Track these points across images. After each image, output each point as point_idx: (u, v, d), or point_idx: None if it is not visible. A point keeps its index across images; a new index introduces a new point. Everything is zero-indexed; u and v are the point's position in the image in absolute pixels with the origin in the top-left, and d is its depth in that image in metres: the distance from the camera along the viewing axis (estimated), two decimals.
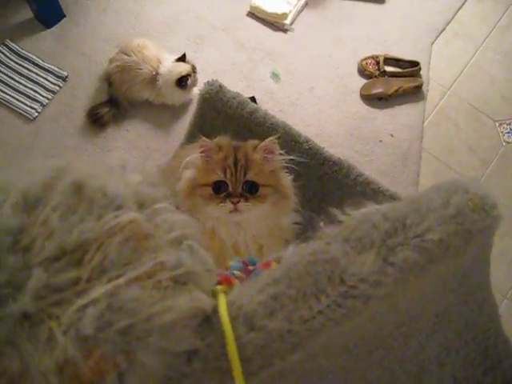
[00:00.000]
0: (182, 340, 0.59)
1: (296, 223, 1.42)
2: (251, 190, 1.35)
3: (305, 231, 1.40)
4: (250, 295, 0.66)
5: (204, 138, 1.37)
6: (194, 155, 1.39)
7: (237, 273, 0.84)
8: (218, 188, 1.35)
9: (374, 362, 0.79)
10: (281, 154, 1.40)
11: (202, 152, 1.38)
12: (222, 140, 1.44)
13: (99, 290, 0.54)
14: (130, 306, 0.55)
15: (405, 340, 0.82)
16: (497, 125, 2.58)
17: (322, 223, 0.75)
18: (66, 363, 0.53)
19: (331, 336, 0.67)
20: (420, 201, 0.71)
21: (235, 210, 1.33)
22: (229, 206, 1.33)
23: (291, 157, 1.40)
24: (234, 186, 1.34)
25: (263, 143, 1.38)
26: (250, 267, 0.89)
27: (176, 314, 0.58)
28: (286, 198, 1.41)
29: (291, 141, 1.51)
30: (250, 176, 1.35)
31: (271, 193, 1.38)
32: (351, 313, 0.65)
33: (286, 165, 1.42)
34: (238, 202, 1.33)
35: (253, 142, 1.41)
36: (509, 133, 2.56)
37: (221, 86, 1.56)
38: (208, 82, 1.58)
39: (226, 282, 0.75)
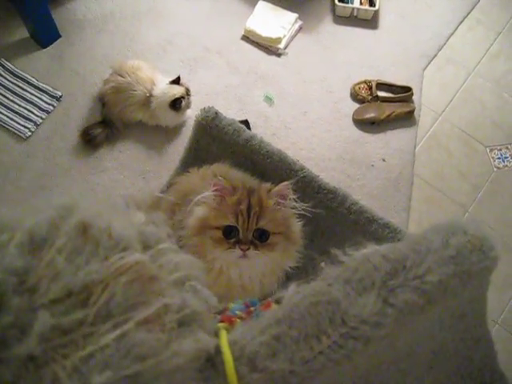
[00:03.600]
0: (186, 382, 0.60)
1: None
2: (261, 237, 1.33)
3: (305, 270, 1.40)
4: (252, 335, 0.66)
5: (219, 177, 1.33)
6: (206, 193, 1.35)
7: (238, 313, 0.85)
8: (229, 233, 1.32)
9: None
10: (294, 200, 1.38)
11: (214, 191, 1.35)
12: (236, 180, 1.41)
13: (108, 336, 0.54)
14: (138, 352, 0.55)
15: (402, 376, 0.83)
16: (488, 150, 2.61)
17: (323, 264, 0.75)
18: None
19: (331, 376, 0.68)
20: (419, 242, 0.73)
21: (244, 256, 1.32)
22: (238, 252, 1.31)
23: (305, 205, 1.38)
24: (245, 233, 1.32)
25: (277, 188, 1.35)
26: (252, 308, 0.90)
27: (182, 358, 0.58)
28: (294, 244, 1.40)
29: (286, 169, 1.51)
30: (262, 224, 1.32)
31: (281, 240, 1.36)
32: (352, 353, 0.66)
33: (297, 211, 1.39)
34: (247, 250, 1.31)
35: (267, 186, 1.39)
36: (499, 158, 2.59)
37: (217, 113, 1.56)
38: (204, 108, 1.58)
39: (228, 321, 0.76)
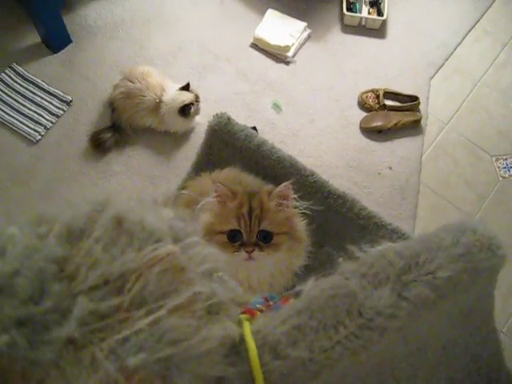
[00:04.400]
0: (214, 366, 0.64)
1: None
2: (266, 238, 1.37)
3: (323, 266, 1.44)
4: (273, 325, 0.71)
5: (218, 183, 1.39)
6: (208, 199, 1.41)
7: (259, 306, 0.90)
8: (233, 236, 1.36)
9: None
10: (295, 199, 1.42)
11: (216, 197, 1.39)
12: (237, 185, 1.46)
13: (142, 322, 0.59)
14: (170, 336, 0.60)
15: (413, 370, 0.87)
16: (493, 160, 2.66)
17: (340, 259, 0.81)
18: None
19: (347, 365, 0.73)
20: (431, 240, 0.78)
21: (250, 258, 1.35)
22: (243, 254, 1.35)
23: (306, 204, 1.42)
24: (249, 236, 1.36)
25: (278, 189, 1.40)
26: (271, 302, 0.95)
27: (211, 343, 0.63)
28: (300, 242, 1.44)
29: (297, 174, 1.56)
30: (265, 225, 1.37)
31: (285, 240, 1.40)
32: (368, 343, 0.70)
33: (300, 210, 1.44)
34: (252, 251, 1.35)
35: (267, 188, 1.43)
36: (505, 168, 2.64)
37: (229, 119, 1.61)
38: (217, 114, 1.63)
39: (249, 313, 0.80)
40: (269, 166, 1.58)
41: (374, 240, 1.48)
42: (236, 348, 0.69)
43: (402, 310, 0.71)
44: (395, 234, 1.53)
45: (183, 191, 1.36)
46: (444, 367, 0.90)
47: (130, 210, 0.68)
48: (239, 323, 0.74)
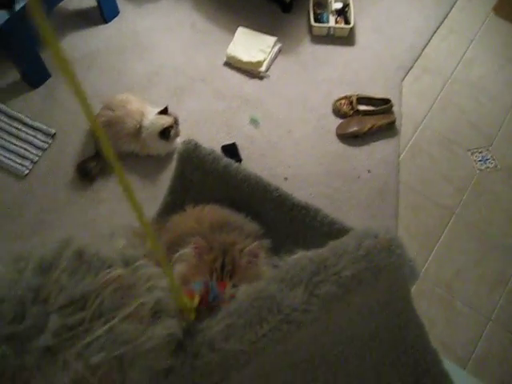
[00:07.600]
0: (160, 360, 0.87)
1: None
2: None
3: None
4: (211, 326, 0.93)
5: (198, 237, 1.52)
6: (185, 250, 1.54)
7: (198, 287, 1.12)
8: None
9: (319, 376, 1.06)
10: (266, 263, 1.53)
11: (194, 249, 1.52)
12: (218, 229, 1.62)
13: (101, 329, 0.81)
14: (122, 338, 0.82)
15: (345, 356, 1.09)
16: (469, 154, 2.87)
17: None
18: (79, 380, 0.80)
19: (278, 354, 0.94)
20: (338, 246, 1.00)
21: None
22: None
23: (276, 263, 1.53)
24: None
25: (249, 247, 1.53)
26: (209, 287, 1.19)
27: (155, 341, 0.85)
28: None
29: (262, 190, 1.76)
30: (235, 281, 1.48)
31: None
32: (288, 335, 0.92)
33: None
34: None
35: (239, 246, 1.55)
36: (481, 161, 2.85)
37: (196, 144, 1.81)
38: (184, 141, 1.83)
39: (189, 295, 1.03)
40: (236, 184, 1.79)
41: None
42: (181, 344, 0.91)
43: (313, 305, 0.93)
44: None
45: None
46: (374, 351, 1.12)
47: (88, 245, 0.90)
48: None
